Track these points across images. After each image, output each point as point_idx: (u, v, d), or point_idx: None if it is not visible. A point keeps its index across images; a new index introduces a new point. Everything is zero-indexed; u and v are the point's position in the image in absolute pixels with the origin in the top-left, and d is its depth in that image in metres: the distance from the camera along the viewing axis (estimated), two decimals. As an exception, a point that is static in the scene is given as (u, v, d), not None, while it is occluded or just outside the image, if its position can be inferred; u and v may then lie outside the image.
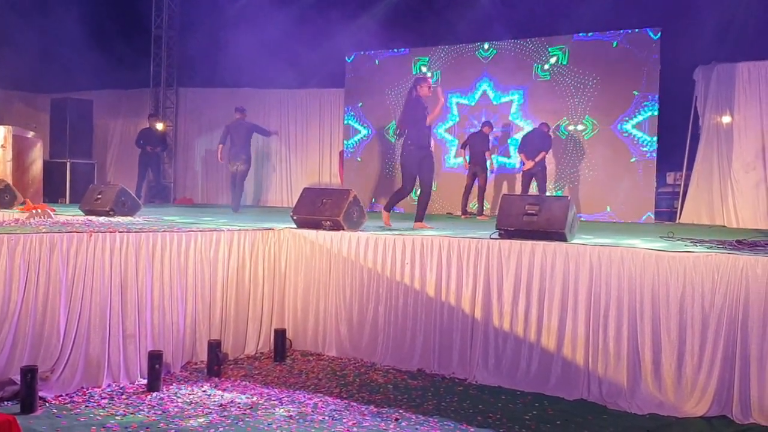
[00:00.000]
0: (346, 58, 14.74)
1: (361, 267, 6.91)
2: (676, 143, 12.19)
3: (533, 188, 11.91)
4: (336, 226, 7.17)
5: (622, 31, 12.09)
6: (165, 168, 16.69)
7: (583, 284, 5.88)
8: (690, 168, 12.14)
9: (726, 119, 11.73)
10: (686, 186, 12.12)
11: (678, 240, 6.83)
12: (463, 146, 12.49)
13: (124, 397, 5.51)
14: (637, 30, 11.97)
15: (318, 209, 7.34)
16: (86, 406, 5.21)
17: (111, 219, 8.03)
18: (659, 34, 11.76)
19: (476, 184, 12.28)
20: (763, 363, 5.19)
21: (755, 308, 5.23)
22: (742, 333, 5.28)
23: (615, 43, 12.13)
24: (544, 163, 11.86)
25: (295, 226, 7.45)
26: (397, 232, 7.01)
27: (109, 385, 5.70)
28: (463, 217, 12.09)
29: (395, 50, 14.22)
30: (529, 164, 11.67)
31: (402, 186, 8.43)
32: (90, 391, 5.55)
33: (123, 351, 5.87)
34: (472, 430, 5.06)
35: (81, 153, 14.62)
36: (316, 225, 7.29)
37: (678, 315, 5.51)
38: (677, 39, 11.56)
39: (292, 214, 7.54)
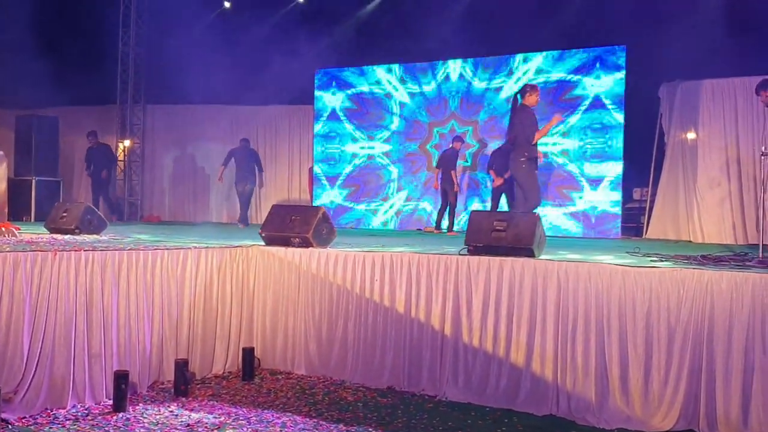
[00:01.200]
0: (315, 75, 14.74)
1: (330, 284, 6.89)
2: (642, 159, 12.32)
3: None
4: (305, 243, 7.15)
5: (588, 48, 12.22)
6: (133, 185, 16.52)
7: (551, 300, 5.92)
8: (656, 184, 12.28)
9: (691, 136, 11.90)
10: (652, 202, 12.25)
11: (644, 255, 6.90)
12: (437, 164, 12.54)
13: (89, 418, 5.43)
14: (603, 47, 12.11)
15: (287, 226, 7.31)
16: (50, 428, 5.13)
17: (76, 237, 7.94)
18: (624, 52, 11.91)
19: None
20: (729, 377, 5.25)
21: (720, 322, 5.30)
22: (707, 347, 5.35)
23: (581, 60, 12.26)
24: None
25: (263, 243, 7.42)
26: (366, 249, 7.01)
27: (74, 406, 5.61)
28: (435, 232, 12.15)
29: (363, 67, 14.25)
30: (499, 181, 11.73)
31: (528, 202, 8.10)
32: (55, 412, 5.46)
33: (88, 371, 5.79)
34: (441, 447, 5.05)
35: (47, 170, 14.46)
36: (284, 242, 7.26)
37: (644, 330, 5.56)
38: (642, 56, 11.71)
39: (260, 231, 7.50)
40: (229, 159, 13.55)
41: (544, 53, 12.61)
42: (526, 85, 8.20)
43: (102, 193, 14.83)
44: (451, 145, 12.41)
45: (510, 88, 12.82)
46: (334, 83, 14.52)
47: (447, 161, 12.25)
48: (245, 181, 13.54)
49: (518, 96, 7.98)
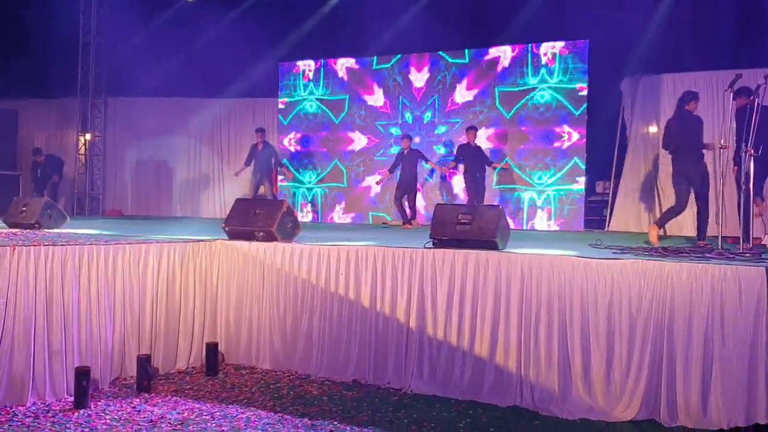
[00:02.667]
0: (279, 67, 14.66)
1: (295, 278, 6.86)
2: (605, 153, 12.45)
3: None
4: (269, 237, 7.11)
5: (551, 43, 12.30)
6: (96, 180, 16.29)
7: (514, 292, 5.95)
8: (618, 177, 12.41)
9: (652, 129, 12.05)
10: (615, 194, 12.39)
11: (606, 247, 6.97)
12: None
13: (50, 415, 5.35)
14: (565, 42, 12.20)
15: (251, 220, 7.26)
16: (10, 426, 5.04)
17: (36, 232, 7.82)
18: (587, 46, 12.01)
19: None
20: (689, 367, 5.33)
21: (680, 313, 5.37)
22: (668, 338, 5.42)
23: (544, 54, 12.33)
24: (484, 173, 11.93)
25: (227, 237, 7.36)
26: (330, 243, 6.99)
27: (34, 404, 5.53)
28: (404, 227, 12.03)
29: (326, 59, 14.21)
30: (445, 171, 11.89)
31: (678, 203, 8.23)
32: (14, 409, 5.38)
33: (49, 368, 5.70)
34: (406, 439, 5.07)
35: (5, 164, 14.22)
36: (248, 236, 7.21)
37: (606, 321, 5.62)
38: (605, 51, 11.83)
39: (224, 225, 7.44)
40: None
41: (508, 47, 12.66)
42: (687, 92, 8.25)
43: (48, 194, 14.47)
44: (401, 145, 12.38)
45: (472, 81, 12.86)
46: (297, 75, 14.46)
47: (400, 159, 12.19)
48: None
49: (680, 102, 8.01)
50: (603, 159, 12.45)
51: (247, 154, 13.10)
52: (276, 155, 13.23)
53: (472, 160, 11.73)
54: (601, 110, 12.24)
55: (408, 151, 12.23)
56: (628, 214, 12.20)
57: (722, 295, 5.26)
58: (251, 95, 15.43)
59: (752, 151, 6.56)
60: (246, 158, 13.08)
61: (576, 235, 10.52)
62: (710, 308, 5.29)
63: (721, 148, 6.66)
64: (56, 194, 14.57)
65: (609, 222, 12.35)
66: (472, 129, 11.95)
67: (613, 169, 12.49)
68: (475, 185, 11.78)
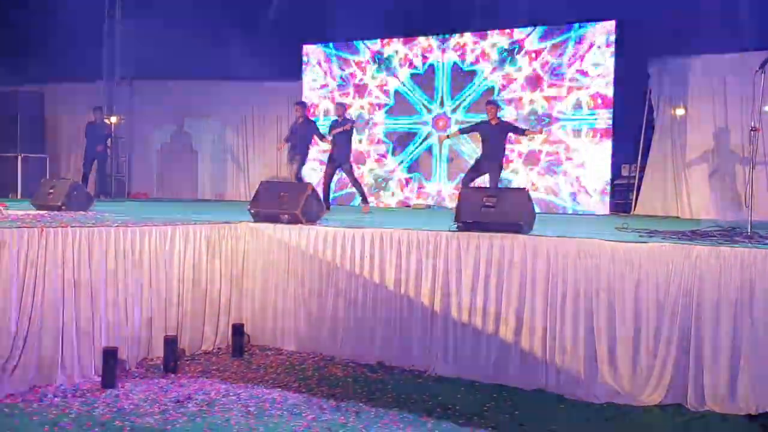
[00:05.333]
0: (302, 50, 14.63)
1: (320, 260, 6.88)
2: (631, 136, 12.33)
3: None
4: (294, 220, 7.13)
5: (577, 23, 12.17)
6: (121, 162, 16.39)
7: (540, 275, 5.93)
8: (644, 160, 12.30)
9: (679, 112, 11.90)
10: (641, 178, 12.27)
11: (633, 231, 6.91)
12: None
13: (78, 394, 5.42)
14: (592, 23, 12.07)
15: (276, 203, 7.28)
16: (39, 405, 5.11)
17: (63, 214, 7.88)
18: (615, 27, 11.88)
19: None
20: (717, 351, 5.28)
21: (708, 297, 5.32)
22: (695, 322, 5.38)
23: (571, 36, 12.21)
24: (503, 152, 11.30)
25: (252, 220, 7.38)
26: (356, 225, 6.99)
27: (62, 383, 5.60)
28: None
29: (353, 42, 14.16)
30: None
31: None
32: (43, 389, 5.45)
33: (77, 348, 5.77)
34: (431, 422, 5.07)
35: (32, 147, 14.33)
36: (274, 219, 7.23)
37: (633, 305, 5.58)
38: (632, 32, 11.68)
39: (249, 207, 7.46)
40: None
41: (535, 28, 12.55)
42: None
43: (99, 168, 14.46)
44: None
45: (508, 62, 12.77)
46: (321, 58, 14.43)
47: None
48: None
49: None
50: (629, 142, 12.33)
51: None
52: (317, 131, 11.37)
53: (483, 141, 10.08)
54: (629, 92, 12.10)
55: (302, 120, 11.04)
56: (654, 197, 12.08)
57: (751, 278, 5.20)
58: (276, 78, 15.40)
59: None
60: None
61: (602, 219, 10.45)
62: (739, 292, 5.24)
63: (752, 130, 6.55)
64: (105, 169, 14.63)
65: (635, 206, 12.25)
66: (490, 104, 10.26)
67: (640, 152, 12.36)
68: (475, 169, 10.10)
